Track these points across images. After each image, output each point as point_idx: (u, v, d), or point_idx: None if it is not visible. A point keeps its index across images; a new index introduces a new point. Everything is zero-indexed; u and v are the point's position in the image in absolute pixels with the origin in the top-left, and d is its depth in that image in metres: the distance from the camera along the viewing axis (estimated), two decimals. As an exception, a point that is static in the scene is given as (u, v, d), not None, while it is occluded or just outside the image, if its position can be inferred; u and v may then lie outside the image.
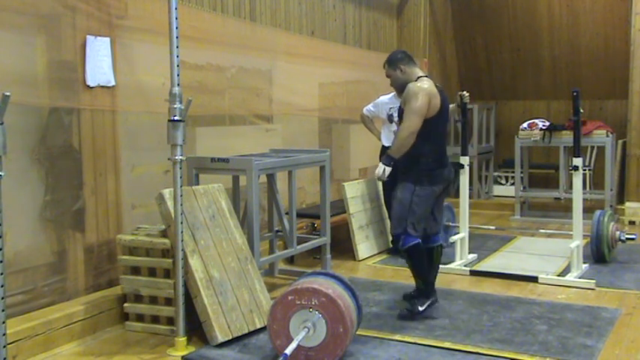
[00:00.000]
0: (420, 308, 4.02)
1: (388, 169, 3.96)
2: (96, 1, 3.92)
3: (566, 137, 7.36)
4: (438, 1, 9.06)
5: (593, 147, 8.53)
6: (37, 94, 3.69)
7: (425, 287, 4.10)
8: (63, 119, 3.84)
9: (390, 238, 6.06)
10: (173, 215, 3.61)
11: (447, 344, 3.59)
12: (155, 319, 3.84)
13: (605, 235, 5.35)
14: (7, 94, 2.48)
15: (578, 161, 4.96)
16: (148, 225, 4.11)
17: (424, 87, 3.89)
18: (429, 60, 8.41)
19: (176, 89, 3.47)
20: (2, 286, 2.56)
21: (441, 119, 4.01)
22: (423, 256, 4.09)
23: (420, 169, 3.97)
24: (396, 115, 5.74)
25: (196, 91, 4.57)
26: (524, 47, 9.42)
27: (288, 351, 3.10)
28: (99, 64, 3.92)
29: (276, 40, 5.76)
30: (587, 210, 5.99)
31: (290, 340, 3.19)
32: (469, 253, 5.58)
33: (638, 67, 7.50)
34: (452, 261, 5.43)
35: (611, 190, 7.56)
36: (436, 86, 4.00)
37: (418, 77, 4.01)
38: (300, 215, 5.45)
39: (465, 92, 5.39)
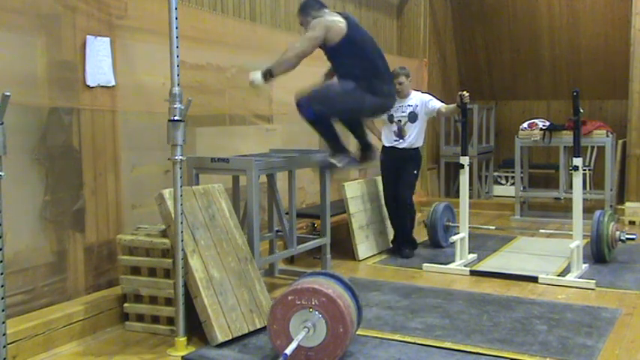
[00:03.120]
0: (340, 164, 4.25)
1: (260, 81, 4.12)
2: (96, 1, 3.92)
3: (566, 137, 7.36)
4: (438, 1, 9.06)
5: (593, 147, 8.54)
6: (37, 94, 3.69)
7: (338, 147, 4.31)
8: (63, 119, 3.84)
9: (391, 238, 6.09)
10: (173, 215, 3.61)
11: (447, 344, 3.59)
12: (155, 319, 3.84)
13: (605, 235, 5.35)
14: (7, 94, 2.49)
15: (578, 161, 4.96)
16: (148, 225, 4.11)
17: (325, 19, 4.26)
18: (429, 60, 8.42)
19: (176, 89, 3.47)
20: (2, 286, 2.56)
21: (356, 37, 4.29)
22: (329, 122, 4.25)
23: (357, 82, 4.20)
24: (396, 115, 5.76)
25: (196, 91, 4.56)
26: (524, 47, 9.42)
27: (288, 351, 3.10)
28: (99, 64, 3.92)
29: (276, 40, 5.75)
30: (587, 210, 5.99)
31: (290, 340, 3.19)
32: (469, 253, 5.58)
33: (638, 67, 7.50)
34: (452, 261, 5.43)
35: (611, 190, 7.56)
36: (345, 14, 4.38)
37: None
38: (300, 215, 5.45)
39: (465, 92, 5.39)
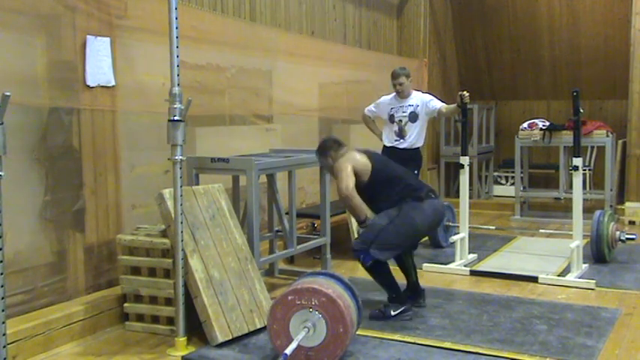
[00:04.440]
0: (393, 313, 4.04)
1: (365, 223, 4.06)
2: (96, 1, 3.92)
3: (566, 137, 7.36)
4: (438, 1, 9.06)
5: (593, 147, 8.54)
6: (37, 94, 3.69)
7: (397, 296, 4.12)
8: (63, 119, 3.84)
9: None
10: (173, 215, 3.61)
11: (447, 344, 3.59)
12: (155, 319, 3.84)
13: (605, 235, 5.35)
14: (7, 94, 2.48)
15: (578, 161, 4.96)
16: (148, 225, 4.11)
17: (346, 159, 4.07)
18: (429, 60, 8.42)
19: (176, 89, 3.47)
20: (2, 286, 2.56)
21: (386, 168, 4.15)
22: (386, 268, 4.10)
23: (401, 204, 4.02)
24: (397, 115, 5.76)
25: (196, 91, 4.57)
26: (524, 47, 9.42)
27: (288, 351, 3.10)
28: (99, 64, 3.91)
29: (276, 40, 5.76)
30: (587, 210, 5.99)
31: (290, 340, 3.19)
32: (469, 253, 5.58)
33: (638, 67, 7.51)
34: (452, 261, 5.43)
35: (611, 190, 7.56)
36: (364, 150, 4.21)
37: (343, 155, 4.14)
38: (300, 215, 5.45)
39: (465, 92, 5.39)
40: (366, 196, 4.07)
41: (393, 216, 4.00)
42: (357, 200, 3.98)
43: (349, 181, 3.96)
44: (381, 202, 4.09)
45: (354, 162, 4.06)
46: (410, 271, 4.33)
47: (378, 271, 4.06)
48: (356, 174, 4.02)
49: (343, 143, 4.28)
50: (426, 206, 4.03)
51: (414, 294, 4.29)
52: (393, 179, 4.10)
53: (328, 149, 4.21)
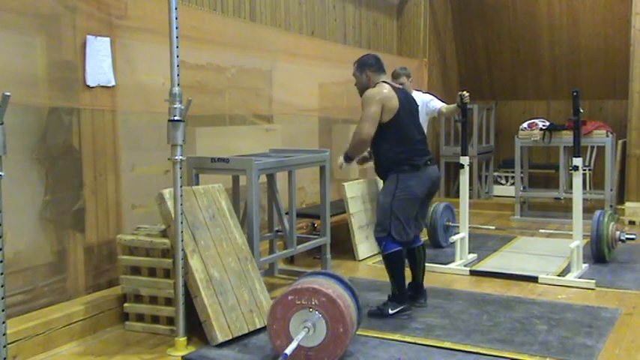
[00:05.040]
0: (390, 311, 4.05)
1: (346, 164, 4.28)
2: (96, 1, 3.91)
3: (566, 137, 7.36)
4: (438, 1, 9.06)
5: (593, 147, 8.54)
6: (37, 94, 3.69)
7: (399, 293, 4.13)
8: (63, 119, 3.84)
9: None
10: (173, 215, 3.61)
11: (447, 344, 3.59)
12: (155, 319, 3.84)
13: (605, 235, 5.35)
14: (7, 94, 2.48)
15: (578, 161, 4.96)
16: (148, 225, 4.11)
17: (378, 92, 4.04)
18: (429, 60, 8.42)
19: (176, 89, 3.47)
20: (2, 286, 2.56)
21: (404, 118, 4.08)
22: (403, 263, 4.13)
23: (398, 173, 4.06)
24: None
25: (196, 91, 4.57)
26: (524, 47, 9.42)
27: (288, 351, 3.10)
28: (99, 64, 3.91)
29: (276, 40, 5.75)
30: (587, 210, 5.99)
31: (290, 340, 3.19)
32: (469, 253, 5.58)
33: (638, 67, 7.50)
34: (452, 261, 5.43)
35: (611, 190, 7.56)
36: (396, 88, 4.14)
37: (376, 84, 4.12)
38: (300, 215, 5.45)
39: (465, 92, 5.39)
40: (376, 136, 4.09)
41: (392, 190, 4.04)
42: (365, 147, 4.18)
43: (372, 128, 4.01)
44: (384, 154, 4.11)
45: (384, 100, 4.01)
46: (418, 270, 4.34)
47: (394, 261, 4.09)
48: (384, 107, 4.01)
49: (384, 67, 4.24)
50: (422, 174, 4.08)
51: (415, 293, 4.31)
52: (403, 139, 4.09)
53: (369, 66, 4.18)
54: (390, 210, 4.03)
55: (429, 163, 4.14)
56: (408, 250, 4.21)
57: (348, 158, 4.26)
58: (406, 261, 4.23)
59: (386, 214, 4.06)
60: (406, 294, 4.19)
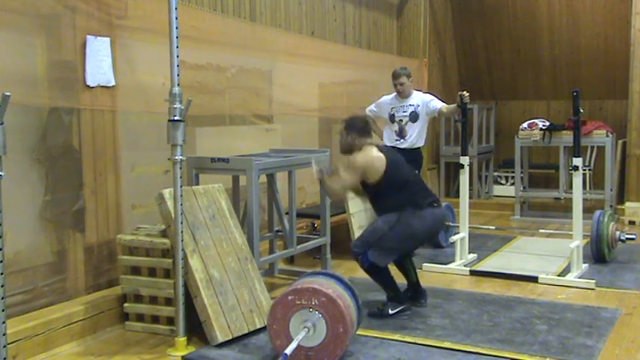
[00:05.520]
0: (390, 312, 4.07)
1: (315, 173, 4.14)
2: (96, 1, 3.91)
3: (566, 137, 7.36)
4: (438, 1, 9.06)
5: (593, 147, 8.53)
6: (37, 94, 3.69)
7: (395, 295, 4.14)
8: (63, 119, 3.84)
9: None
10: (173, 215, 3.61)
11: (447, 344, 3.59)
12: (155, 319, 3.84)
13: (605, 235, 5.35)
14: (7, 94, 2.48)
15: (578, 161, 4.96)
16: (148, 225, 4.11)
17: (364, 156, 4.09)
18: (429, 60, 8.42)
19: (176, 89, 3.47)
20: (2, 286, 2.56)
21: (396, 172, 4.11)
22: (385, 269, 4.14)
23: (401, 212, 4.06)
24: (397, 115, 5.76)
25: (196, 91, 4.56)
26: (524, 47, 9.42)
27: (288, 351, 3.10)
28: (99, 64, 3.91)
29: (276, 40, 5.75)
30: (587, 210, 5.99)
31: (290, 340, 3.19)
32: (469, 253, 5.58)
33: (638, 67, 7.50)
34: (452, 261, 5.43)
35: (611, 190, 7.56)
36: (380, 149, 4.21)
37: (362, 146, 4.15)
38: (300, 215, 5.45)
39: (465, 92, 5.39)
40: (371, 193, 4.16)
41: (393, 222, 4.03)
42: (339, 193, 4.40)
43: (349, 184, 4.13)
44: (384, 204, 4.13)
45: (369, 162, 4.08)
46: (409, 272, 4.36)
47: (377, 271, 4.11)
48: (366, 172, 4.06)
49: (370, 131, 4.31)
50: (425, 214, 4.08)
51: (415, 294, 4.31)
52: (401, 186, 4.11)
53: (355, 129, 4.21)
54: (381, 235, 4.02)
55: (434, 204, 4.17)
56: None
57: (321, 180, 4.18)
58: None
59: (375, 236, 4.04)
60: (404, 294, 4.20)
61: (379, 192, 4.12)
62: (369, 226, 4.23)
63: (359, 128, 4.21)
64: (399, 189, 4.10)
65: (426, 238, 4.35)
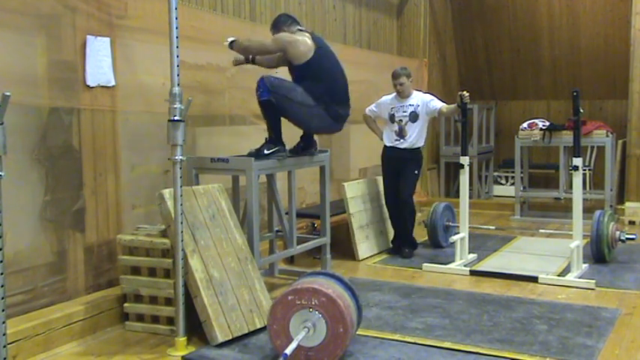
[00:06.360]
0: (266, 151, 4.43)
1: (227, 46, 4.52)
2: (96, 1, 3.92)
3: (566, 137, 7.36)
4: (438, 1, 9.06)
5: (593, 147, 8.54)
6: (37, 94, 3.69)
7: (275, 137, 4.52)
8: (63, 119, 3.84)
9: (391, 238, 6.09)
10: (173, 215, 3.61)
11: (447, 344, 3.59)
12: (155, 319, 3.84)
13: (605, 235, 5.34)
14: (7, 94, 2.48)
15: (578, 161, 4.96)
16: (148, 225, 4.11)
17: (287, 34, 4.47)
18: (429, 60, 8.42)
19: (176, 89, 3.47)
20: (2, 286, 2.56)
21: (322, 60, 4.50)
22: (275, 111, 4.45)
23: (317, 102, 4.45)
24: (397, 115, 5.76)
25: (196, 91, 4.57)
26: (524, 47, 9.42)
27: (288, 351, 3.10)
28: (99, 64, 3.92)
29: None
30: (587, 210, 5.99)
31: (290, 340, 3.19)
32: (469, 253, 5.58)
33: (638, 67, 7.50)
34: (452, 261, 5.43)
35: (611, 190, 7.56)
36: (314, 38, 4.55)
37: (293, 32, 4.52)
38: (300, 215, 5.45)
39: (465, 92, 5.40)
40: (294, 75, 4.56)
41: (305, 104, 4.42)
42: (255, 55, 4.68)
43: (266, 48, 4.53)
44: (308, 87, 4.43)
45: (293, 41, 4.43)
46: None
47: (268, 110, 4.45)
48: (287, 51, 4.43)
49: (298, 22, 4.64)
50: (328, 123, 4.60)
51: (305, 144, 4.77)
52: (325, 77, 4.50)
53: (282, 23, 4.55)
54: (290, 95, 4.38)
55: (340, 120, 4.67)
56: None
57: (234, 46, 4.49)
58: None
59: (285, 89, 4.39)
60: (279, 136, 4.55)
61: (306, 74, 4.44)
62: (292, 84, 4.51)
63: (284, 21, 4.56)
64: (325, 80, 4.48)
65: (311, 132, 4.80)
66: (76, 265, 3.93)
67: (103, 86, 3.96)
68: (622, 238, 5.43)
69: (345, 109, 4.69)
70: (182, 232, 3.56)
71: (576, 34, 8.99)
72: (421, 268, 5.35)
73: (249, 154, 4.40)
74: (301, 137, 4.77)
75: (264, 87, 4.36)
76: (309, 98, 4.44)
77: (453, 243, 5.47)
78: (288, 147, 4.68)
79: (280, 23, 4.56)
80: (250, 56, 4.76)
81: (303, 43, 4.45)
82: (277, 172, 4.77)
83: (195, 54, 4.71)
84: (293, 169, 4.80)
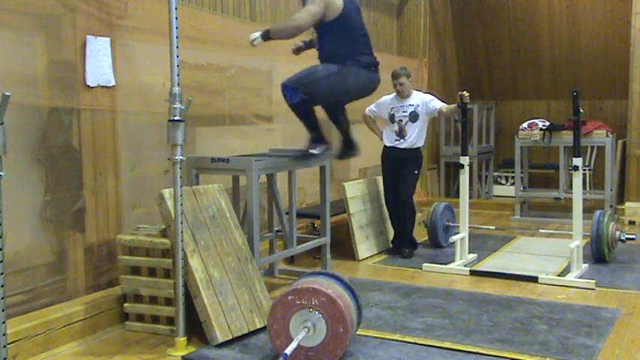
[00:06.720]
0: (316, 152, 4.38)
1: (259, 40, 4.29)
2: (96, 1, 3.92)
3: (566, 137, 7.36)
4: (438, 1, 9.06)
5: (593, 147, 8.54)
6: (37, 94, 3.69)
7: (319, 136, 4.41)
8: (63, 119, 3.84)
9: (391, 238, 6.09)
10: (173, 215, 3.61)
11: (447, 344, 3.59)
12: (155, 319, 3.84)
13: (605, 235, 5.35)
14: (7, 94, 2.48)
15: (578, 161, 4.96)
16: (148, 225, 4.11)
17: None
18: (429, 60, 8.42)
19: (176, 89, 3.47)
20: (2, 286, 2.56)
21: (350, 16, 4.36)
22: (312, 110, 4.41)
23: (342, 63, 4.33)
24: (397, 115, 5.77)
25: (196, 91, 4.57)
26: (524, 47, 9.42)
27: (288, 351, 3.10)
28: (99, 64, 3.92)
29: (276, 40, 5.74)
30: (587, 210, 5.99)
31: (290, 340, 3.19)
32: (469, 253, 5.58)
33: (638, 67, 7.50)
34: (452, 261, 5.43)
35: (611, 190, 7.56)
36: None
37: None
38: (300, 215, 5.45)
39: (465, 92, 5.40)
40: (320, 31, 4.41)
41: (332, 72, 4.27)
42: (292, 36, 4.38)
43: (307, 20, 4.23)
44: (329, 47, 4.36)
45: (329, 1, 4.26)
46: (342, 124, 4.61)
47: (302, 110, 4.34)
48: (326, 8, 4.25)
49: None
50: (364, 75, 4.39)
51: (345, 145, 4.67)
52: (350, 34, 4.33)
53: None
54: (315, 79, 4.24)
55: (373, 69, 4.44)
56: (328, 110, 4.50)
57: (267, 36, 4.29)
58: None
59: (309, 79, 4.27)
60: (325, 135, 4.48)
61: (331, 31, 4.31)
62: (308, 68, 4.42)
63: None
64: (350, 36, 4.34)
65: (354, 97, 4.59)
66: (76, 265, 3.93)
67: (103, 86, 3.96)
68: (622, 238, 5.43)
69: (372, 58, 4.54)
70: (182, 232, 3.56)
71: (576, 34, 8.99)
72: (421, 268, 5.35)
73: (298, 156, 4.31)
74: (341, 141, 4.66)
75: (288, 89, 4.29)
76: (333, 66, 4.34)
77: (453, 243, 5.47)
78: (290, 146, 4.67)
79: None
80: (309, 37, 4.61)
81: (332, 2, 4.32)
82: (277, 172, 4.77)
83: (195, 54, 4.71)
84: (293, 169, 4.80)
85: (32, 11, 3.67)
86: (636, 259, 5.59)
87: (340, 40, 4.33)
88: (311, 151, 4.33)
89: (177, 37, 3.45)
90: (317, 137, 4.39)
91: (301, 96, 4.23)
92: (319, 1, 4.27)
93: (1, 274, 2.55)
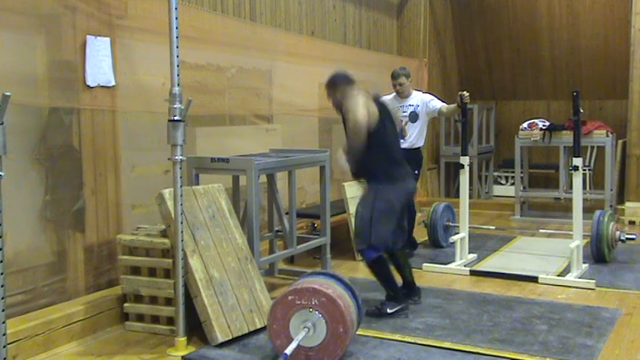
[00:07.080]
0: (389, 311, 4.07)
1: (344, 164, 4.10)
2: (96, 1, 3.92)
3: (566, 137, 7.36)
4: (438, 1, 9.06)
5: (593, 147, 8.54)
6: (37, 94, 3.69)
7: (395, 294, 4.15)
8: (63, 119, 3.84)
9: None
10: (173, 215, 3.61)
11: (447, 344, 3.59)
12: (155, 319, 3.84)
13: (605, 235, 5.34)
14: (7, 94, 2.48)
15: (578, 161, 4.96)
16: (148, 225, 4.11)
17: (359, 98, 4.01)
18: (429, 60, 8.42)
19: (176, 89, 3.47)
20: (2, 286, 2.56)
21: (382, 129, 4.04)
22: (387, 266, 4.16)
23: (376, 184, 4.08)
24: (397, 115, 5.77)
25: (196, 91, 4.57)
26: (524, 47, 9.42)
27: (288, 351, 3.10)
28: (99, 64, 3.91)
29: (276, 40, 5.75)
30: (587, 210, 5.99)
31: (290, 340, 3.19)
32: (469, 253, 5.58)
33: (638, 67, 7.50)
34: (452, 261, 5.43)
35: (611, 190, 7.56)
36: (371, 97, 4.12)
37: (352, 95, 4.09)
38: (300, 215, 5.45)
39: (465, 92, 5.39)
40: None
41: (370, 201, 4.04)
42: (355, 140, 3.95)
43: (363, 114, 3.90)
44: (365, 160, 4.05)
45: (366, 104, 3.98)
46: (404, 269, 4.37)
47: (379, 267, 4.12)
48: (369, 111, 3.95)
49: (354, 81, 4.16)
50: (398, 187, 4.11)
51: (409, 292, 4.33)
52: (385, 145, 4.08)
53: (341, 82, 4.12)
54: (371, 222, 4.00)
55: (405, 178, 4.22)
56: (389, 253, 4.22)
57: (350, 159, 4.10)
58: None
59: (364, 225, 4.03)
60: (401, 293, 4.21)
61: (369, 144, 3.99)
62: (356, 217, 4.22)
63: (342, 80, 4.12)
64: (382, 149, 4.05)
65: (402, 207, 4.24)
66: (76, 265, 3.93)
67: (103, 86, 3.95)
68: (622, 238, 5.43)
69: (404, 168, 4.27)
70: (182, 232, 3.56)
71: (576, 34, 8.99)
72: (421, 268, 5.34)
73: (370, 313, 3.98)
74: (403, 285, 4.32)
75: (363, 248, 4.04)
76: (367, 195, 4.09)
77: (453, 243, 5.47)
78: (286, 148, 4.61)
79: (339, 82, 4.13)
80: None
81: (372, 106, 4.03)
82: (277, 172, 4.77)
83: (195, 54, 4.70)
84: (293, 169, 4.80)
85: (32, 11, 3.67)
86: (636, 259, 5.59)
87: (372, 153, 4.01)
88: (388, 311, 4.05)
89: (177, 37, 3.45)
90: (392, 295, 4.13)
91: (379, 255, 4.03)
92: (362, 105, 3.95)
93: (1, 274, 2.55)
